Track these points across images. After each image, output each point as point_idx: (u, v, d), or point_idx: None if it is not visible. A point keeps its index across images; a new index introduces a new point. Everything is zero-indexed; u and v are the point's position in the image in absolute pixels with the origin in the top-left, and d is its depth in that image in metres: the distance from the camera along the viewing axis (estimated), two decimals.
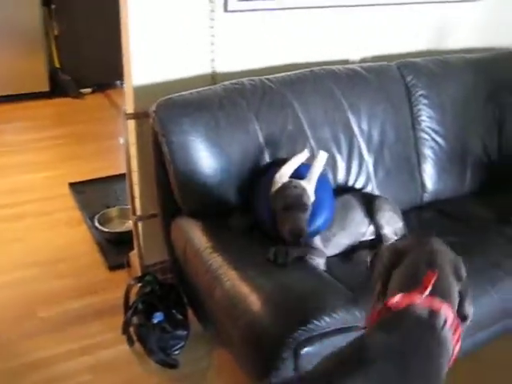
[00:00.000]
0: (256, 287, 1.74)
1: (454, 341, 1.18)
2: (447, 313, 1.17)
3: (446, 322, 1.16)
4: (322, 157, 2.03)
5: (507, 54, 2.96)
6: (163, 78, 2.30)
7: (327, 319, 1.66)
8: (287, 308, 1.68)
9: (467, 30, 3.00)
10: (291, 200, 1.93)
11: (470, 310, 1.26)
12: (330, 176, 2.29)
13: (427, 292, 1.18)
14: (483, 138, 2.67)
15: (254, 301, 1.69)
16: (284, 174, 1.99)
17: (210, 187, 2.08)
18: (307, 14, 2.50)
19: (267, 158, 2.17)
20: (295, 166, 2.01)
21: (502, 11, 3.04)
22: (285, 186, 1.97)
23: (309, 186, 1.98)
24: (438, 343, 1.15)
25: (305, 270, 1.88)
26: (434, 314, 1.16)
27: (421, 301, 1.17)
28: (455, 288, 1.25)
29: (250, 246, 1.98)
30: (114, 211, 3.23)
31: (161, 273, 2.51)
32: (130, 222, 2.61)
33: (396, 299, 1.18)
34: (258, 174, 2.11)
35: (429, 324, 1.16)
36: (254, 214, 2.05)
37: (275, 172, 2.01)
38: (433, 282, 1.19)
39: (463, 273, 1.29)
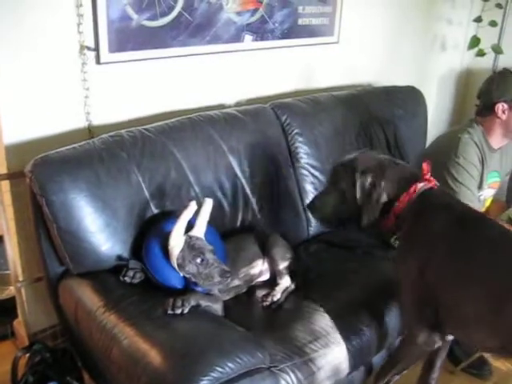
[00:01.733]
0: (155, 342, 1.69)
1: None
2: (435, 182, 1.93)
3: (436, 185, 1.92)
4: (208, 203, 2.01)
5: (368, 91, 3.20)
6: (38, 134, 2.22)
7: (231, 365, 1.65)
8: (190, 359, 1.64)
9: (331, 70, 3.20)
10: (201, 252, 1.91)
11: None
12: (218, 219, 2.30)
13: (428, 175, 1.90)
14: None
15: (154, 356, 1.64)
16: (178, 237, 1.93)
17: (96, 244, 2.01)
18: (179, 62, 2.54)
19: (154, 209, 2.14)
20: (185, 224, 1.95)
21: (358, 53, 3.30)
22: (188, 244, 1.92)
23: (200, 234, 1.98)
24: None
25: (203, 318, 1.86)
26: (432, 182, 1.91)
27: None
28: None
29: (145, 300, 1.92)
30: None
31: (51, 339, 2.38)
32: (11, 288, 2.45)
33: (418, 186, 1.86)
34: (146, 226, 2.08)
35: (439, 188, 1.94)
36: (147, 268, 2.00)
37: (163, 229, 1.98)
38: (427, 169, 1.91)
39: None
